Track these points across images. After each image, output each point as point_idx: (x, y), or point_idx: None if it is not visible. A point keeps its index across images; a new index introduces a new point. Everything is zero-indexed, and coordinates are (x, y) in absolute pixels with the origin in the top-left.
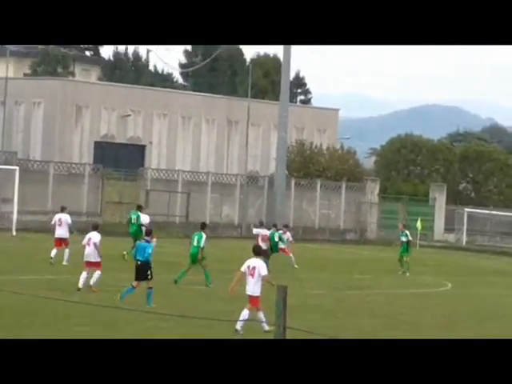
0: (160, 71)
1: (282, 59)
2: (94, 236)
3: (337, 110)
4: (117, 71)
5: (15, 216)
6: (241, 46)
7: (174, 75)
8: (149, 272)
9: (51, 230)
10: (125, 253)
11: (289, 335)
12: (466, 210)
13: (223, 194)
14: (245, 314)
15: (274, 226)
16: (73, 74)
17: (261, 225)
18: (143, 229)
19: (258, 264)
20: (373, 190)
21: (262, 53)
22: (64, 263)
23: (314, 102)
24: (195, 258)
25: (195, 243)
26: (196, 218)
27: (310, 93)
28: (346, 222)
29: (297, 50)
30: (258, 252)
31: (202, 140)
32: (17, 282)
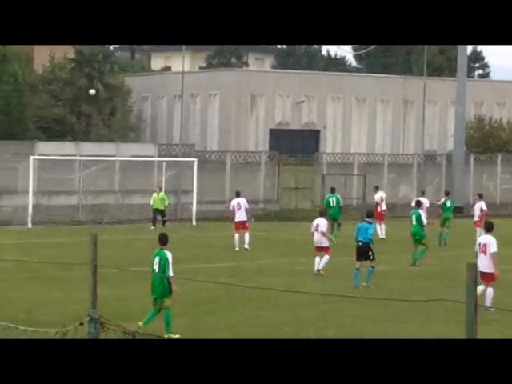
0: (333, 55)
1: None
2: (322, 222)
3: None
4: (290, 58)
5: (195, 206)
6: None
7: (347, 58)
8: (370, 253)
9: (230, 216)
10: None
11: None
12: None
13: (400, 173)
14: (481, 288)
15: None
16: (246, 64)
17: (422, 194)
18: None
19: (489, 241)
20: None
21: None
22: (246, 246)
23: (493, 76)
24: (417, 237)
25: (414, 222)
26: (373, 199)
27: (488, 67)
28: None
29: None
30: (489, 228)
31: (376, 121)
32: (199, 270)
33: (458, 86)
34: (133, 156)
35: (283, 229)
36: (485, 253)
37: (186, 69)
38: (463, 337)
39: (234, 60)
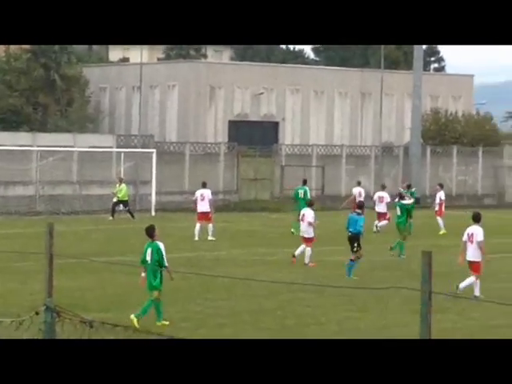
0: (291, 48)
1: None
2: (307, 213)
3: (471, 76)
4: (248, 50)
5: (154, 197)
6: None
7: (305, 51)
8: (356, 244)
9: (193, 206)
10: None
11: (434, 300)
12: None
13: (358, 165)
14: (471, 279)
15: (408, 186)
16: (205, 55)
17: (383, 188)
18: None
19: (476, 230)
20: (511, 153)
21: None
22: (209, 238)
23: (448, 70)
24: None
25: (398, 213)
26: (331, 190)
27: (443, 60)
28: (484, 188)
29: None
30: (476, 219)
31: (335, 113)
32: None
33: (414, 79)
34: (91, 147)
35: (242, 219)
36: (472, 242)
37: (145, 60)
38: (418, 325)
39: (192, 52)
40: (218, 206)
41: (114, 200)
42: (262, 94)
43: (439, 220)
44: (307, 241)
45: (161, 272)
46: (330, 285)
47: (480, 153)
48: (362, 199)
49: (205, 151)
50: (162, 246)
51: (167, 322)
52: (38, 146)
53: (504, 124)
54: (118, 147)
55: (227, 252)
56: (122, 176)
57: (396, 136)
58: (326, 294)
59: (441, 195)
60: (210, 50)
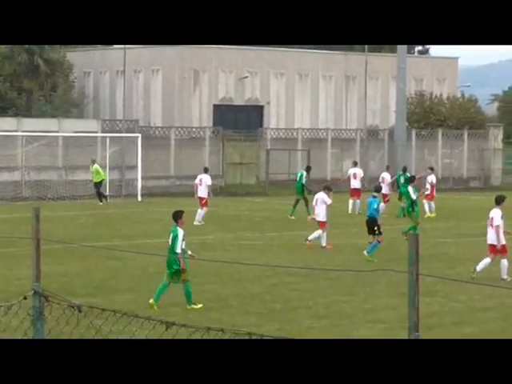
0: None
1: None
2: (320, 196)
3: (456, 59)
4: None
5: (140, 182)
6: None
7: None
8: (376, 227)
9: (194, 190)
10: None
11: (422, 283)
12: None
13: (343, 149)
14: (486, 261)
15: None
16: None
17: (387, 169)
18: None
19: (494, 214)
20: (496, 136)
21: None
22: (195, 223)
23: (433, 53)
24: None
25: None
26: (317, 174)
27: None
28: (470, 170)
29: None
30: (497, 202)
31: (319, 97)
32: (145, 245)
33: (398, 61)
34: (76, 132)
35: (228, 204)
36: (492, 226)
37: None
38: (406, 307)
39: None
40: None
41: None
42: (246, 77)
43: (431, 204)
44: (319, 224)
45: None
46: (318, 267)
47: (465, 136)
48: (357, 181)
49: (190, 136)
50: (180, 232)
51: (200, 306)
52: (23, 132)
53: (489, 106)
54: (102, 132)
55: (214, 236)
56: (94, 158)
57: (381, 119)
58: (313, 277)
59: (432, 179)
60: None
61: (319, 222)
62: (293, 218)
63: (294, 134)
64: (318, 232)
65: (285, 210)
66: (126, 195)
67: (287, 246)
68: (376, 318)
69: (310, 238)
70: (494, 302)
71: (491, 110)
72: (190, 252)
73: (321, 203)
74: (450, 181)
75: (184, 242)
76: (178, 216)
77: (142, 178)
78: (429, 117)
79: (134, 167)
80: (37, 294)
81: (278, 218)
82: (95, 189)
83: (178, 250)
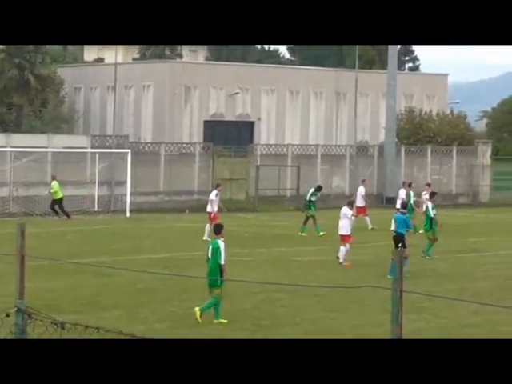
0: (266, 48)
1: None
2: (344, 211)
3: (446, 75)
4: (223, 50)
5: (128, 198)
6: None
7: (280, 51)
8: (400, 244)
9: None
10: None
11: (405, 299)
12: None
13: (333, 165)
14: None
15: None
16: (180, 55)
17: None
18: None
19: None
20: (485, 152)
21: None
22: (204, 238)
23: (423, 69)
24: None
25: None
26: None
27: (418, 60)
28: (458, 187)
29: None
30: None
31: (310, 113)
32: (133, 261)
33: (388, 77)
34: (65, 148)
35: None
36: None
37: (119, 60)
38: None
39: (167, 51)
40: (193, 207)
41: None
42: (237, 93)
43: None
44: (343, 239)
45: (221, 270)
46: (306, 284)
47: (454, 152)
48: (358, 200)
49: (180, 151)
50: (222, 245)
51: (225, 321)
52: (12, 147)
53: (478, 123)
54: (92, 148)
55: (203, 252)
56: (54, 174)
57: (371, 135)
58: (301, 294)
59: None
60: (185, 50)
61: (342, 236)
62: (303, 234)
63: (284, 150)
64: (343, 248)
65: (274, 226)
66: (115, 211)
67: (276, 263)
68: (364, 334)
69: (340, 259)
70: (480, 319)
71: (480, 126)
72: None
73: (344, 217)
74: (438, 197)
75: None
76: (218, 229)
77: (131, 194)
78: (418, 133)
79: (124, 183)
80: (20, 311)
81: (267, 233)
82: (53, 205)
83: (222, 262)
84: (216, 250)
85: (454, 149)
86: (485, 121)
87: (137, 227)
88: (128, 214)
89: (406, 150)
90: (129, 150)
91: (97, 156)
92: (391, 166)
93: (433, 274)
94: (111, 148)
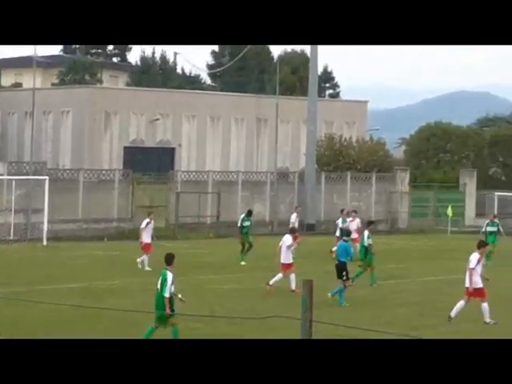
0: (188, 73)
1: (309, 54)
2: (286, 239)
3: (366, 102)
4: (144, 76)
5: (46, 226)
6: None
7: (201, 77)
8: (344, 272)
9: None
10: (243, 263)
11: (318, 329)
12: (497, 194)
13: (254, 191)
14: (461, 304)
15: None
16: (100, 81)
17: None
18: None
19: (471, 257)
20: (403, 179)
21: (289, 49)
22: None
23: (343, 95)
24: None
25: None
26: (227, 217)
27: (338, 86)
28: (377, 213)
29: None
30: (477, 246)
31: (231, 140)
32: (50, 291)
33: (308, 104)
34: None
35: (137, 248)
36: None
37: (38, 85)
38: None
39: (87, 77)
40: (111, 234)
41: None
42: (157, 120)
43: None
44: (287, 267)
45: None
46: (222, 316)
47: (373, 179)
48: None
49: (99, 178)
50: (169, 276)
51: None
52: None
53: (396, 150)
54: (9, 174)
55: (119, 281)
56: None
57: (291, 162)
58: (218, 323)
59: (358, 222)
60: (105, 75)
61: (283, 265)
62: (243, 263)
63: (205, 176)
64: (292, 276)
65: (193, 254)
66: (32, 239)
67: (194, 291)
68: None
69: (292, 287)
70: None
71: (399, 153)
72: (180, 296)
73: (284, 245)
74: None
75: (173, 286)
76: (170, 259)
77: (49, 222)
78: (338, 160)
79: (41, 210)
80: None
81: (185, 261)
82: None
83: (167, 295)
84: (164, 281)
85: (373, 176)
86: (403, 147)
87: (54, 256)
88: (45, 243)
89: (326, 177)
90: (47, 177)
91: (13, 183)
92: (311, 193)
93: (349, 301)
94: (28, 175)
